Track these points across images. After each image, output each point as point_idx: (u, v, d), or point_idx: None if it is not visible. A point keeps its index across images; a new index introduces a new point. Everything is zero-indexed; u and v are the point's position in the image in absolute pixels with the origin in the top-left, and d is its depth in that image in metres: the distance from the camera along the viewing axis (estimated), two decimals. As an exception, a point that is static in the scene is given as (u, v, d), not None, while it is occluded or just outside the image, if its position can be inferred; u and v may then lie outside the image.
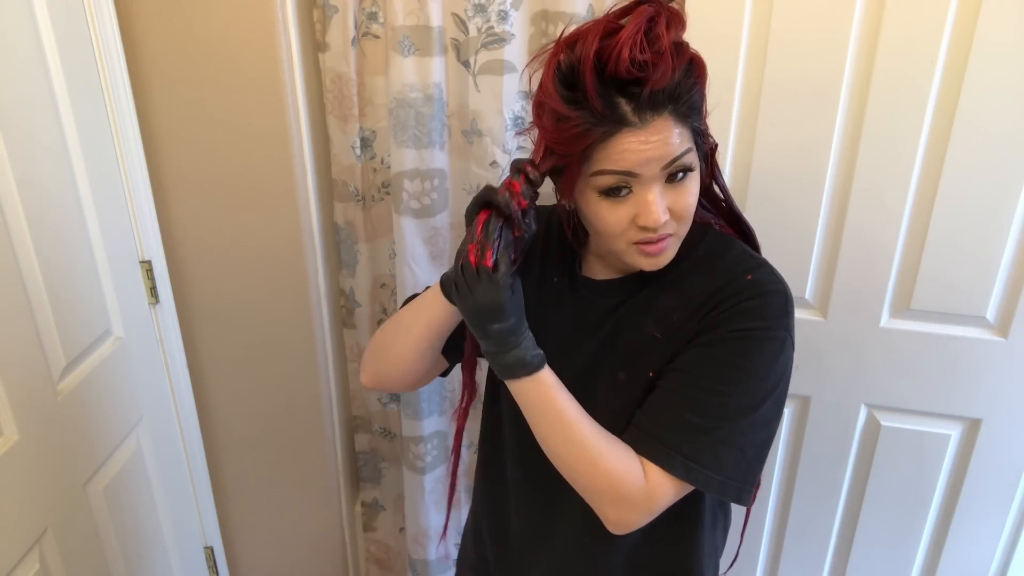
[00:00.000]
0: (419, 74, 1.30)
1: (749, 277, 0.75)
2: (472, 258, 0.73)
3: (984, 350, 1.21)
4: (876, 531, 1.40)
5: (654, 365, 0.77)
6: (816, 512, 1.42)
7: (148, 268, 1.36)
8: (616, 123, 0.66)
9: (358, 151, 1.43)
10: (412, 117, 1.32)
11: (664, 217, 0.70)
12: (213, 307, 1.45)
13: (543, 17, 1.27)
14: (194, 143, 1.32)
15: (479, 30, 1.27)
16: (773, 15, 1.12)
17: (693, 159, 0.70)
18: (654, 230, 0.70)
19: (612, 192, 0.70)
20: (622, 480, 0.71)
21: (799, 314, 1.27)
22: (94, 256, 1.21)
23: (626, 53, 0.63)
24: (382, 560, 1.84)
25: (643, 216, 0.69)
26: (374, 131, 1.42)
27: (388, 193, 1.46)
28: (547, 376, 0.75)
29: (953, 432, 1.29)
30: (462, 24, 1.29)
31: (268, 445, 1.58)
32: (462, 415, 0.97)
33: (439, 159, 1.37)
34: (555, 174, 0.73)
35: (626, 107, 0.66)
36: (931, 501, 1.35)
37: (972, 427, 1.28)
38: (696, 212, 0.77)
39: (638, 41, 0.63)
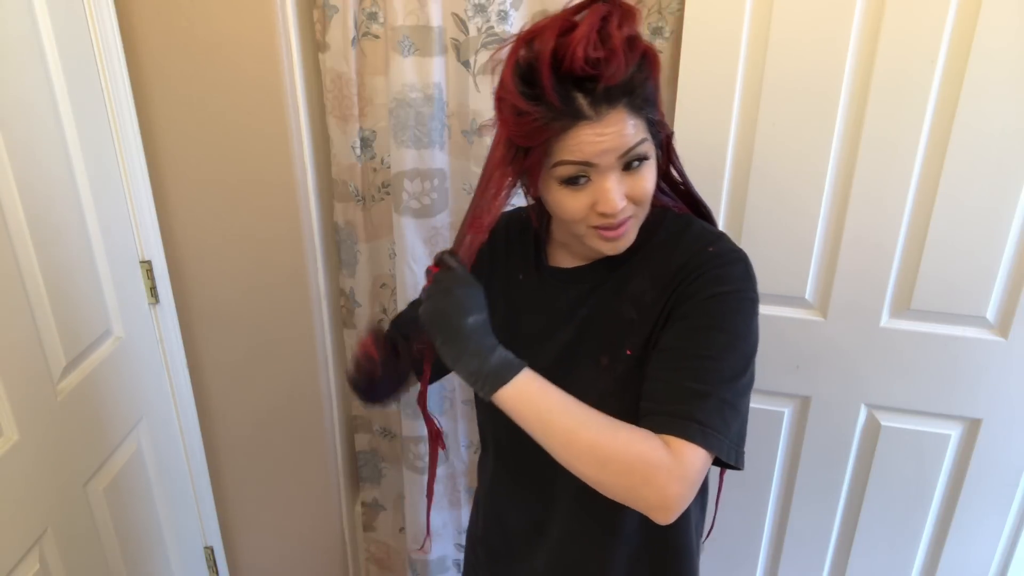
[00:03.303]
0: (419, 74, 1.30)
1: (711, 249, 0.79)
2: (428, 279, 0.78)
3: (984, 350, 1.21)
4: (876, 531, 1.40)
5: (632, 345, 0.80)
6: (816, 512, 1.42)
7: (148, 268, 1.36)
8: (573, 117, 0.69)
9: (358, 151, 1.43)
10: (412, 117, 1.32)
11: (622, 204, 0.73)
12: (213, 307, 1.45)
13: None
14: (194, 143, 1.32)
15: (479, 30, 1.27)
16: (773, 15, 1.12)
17: (648, 148, 0.74)
18: (613, 216, 0.74)
19: (572, 181, 0.73)
20: (646, 453, 0.69)
21: (799, 314, 1.28)
22: (94, 256, 1.21)
23: (580, 52, 0.66)
24: (382, 560, 1.84)
25: (602, 203, 0.73)
26: (374, 131, 1.42)
27: (388, 193, 1.46)
28: (533, 375, 0.74)
29: (953, 432, 1.29)
30: (462, 24, 1.29)
31: (268, 445, 1.58)
32: (432, 462, 0.98)
33: (439, 159, 1.37)
34: (523, 172, 0.76)
35: (582, 101, 0.69)
36: (931, 501, 1.35)
37: (972, 427, 1.28)
38: (655, 198, 0.82)
39: (592, 39, 0.66)
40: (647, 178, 0.74)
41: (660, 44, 1.24)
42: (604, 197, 0.72)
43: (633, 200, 0.74)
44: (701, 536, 0.96)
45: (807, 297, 1.27)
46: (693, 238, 0.81)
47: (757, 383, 1.35)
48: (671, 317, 0.77)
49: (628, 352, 0.80)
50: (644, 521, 0.84)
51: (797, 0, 1.10)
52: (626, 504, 0.71)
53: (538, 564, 0.96)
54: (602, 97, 0.69)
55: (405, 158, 1.35)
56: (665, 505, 0.69)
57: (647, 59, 0.71)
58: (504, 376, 0.72)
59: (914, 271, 1.20)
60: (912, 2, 1.06)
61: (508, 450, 0.94)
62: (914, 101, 1.11)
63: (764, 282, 1.26)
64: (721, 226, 1.27)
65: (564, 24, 0.68)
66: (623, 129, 0.70)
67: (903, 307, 1.23)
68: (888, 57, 1.09)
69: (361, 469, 1.76)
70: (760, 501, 1.45)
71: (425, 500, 1.61)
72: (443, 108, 1.35)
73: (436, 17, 1.27)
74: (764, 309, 1.29)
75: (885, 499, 1.37)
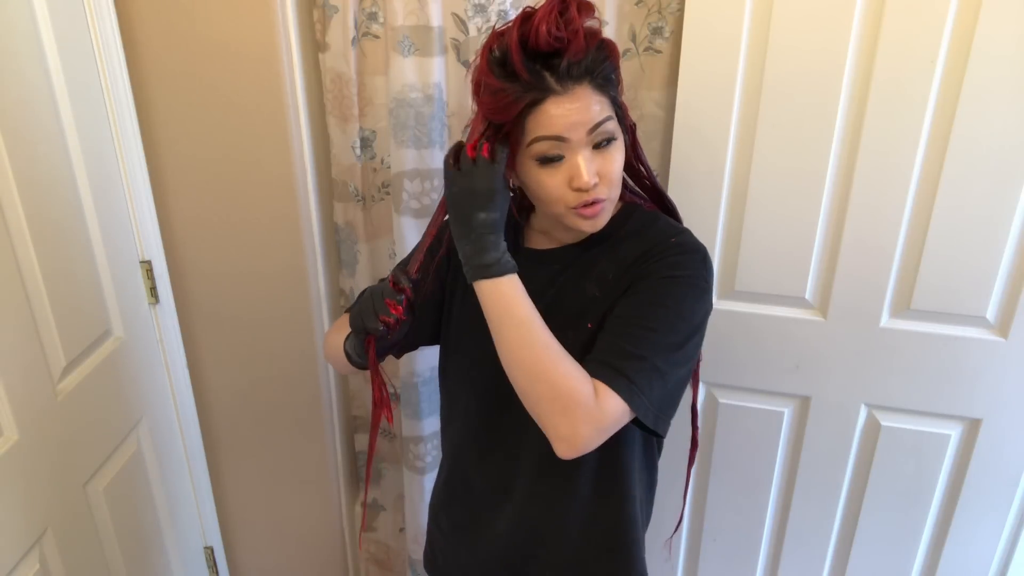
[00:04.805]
0: (419, 74, 1.30)
1: (674, 240, 0.87)
2: (471, 150, 0.82)
3: (984, 350, 1.21)
4: (876, 531, 1.40)
5: (592, 319, 0.87)
6: (816, 512, 1.42)
7: (148, 268, 1.36)
8: (542, 91, 0.77)
9: (358, 151, 1.43)
10: (412, 117, 1.32)
11: (594, 179, 0.80)
12: (213, 307, 1.45)
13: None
14: (194, 143, 1.32)
15: (479, 30, 1.27)
16: (773, 15, 1.12)
17: (615, 127, 0.81)
18: (587, 191, 0.80)
19: (548, 160, 0.80)
20: (575, 387, 0.77)
21: (799, 314, 1.28)
22: (94, 256, 1.21)
23: (544, 28, 0.74)
24: (382, 560, 1.84)
25: (576, 178, 0.79)
26: (374, 131, 1.42)
27: (388, 193, 1.46)
28: (517, 282, 0.81)
29: (953, 432, 1.29)
30: (462, 24, 1.29)
31: (268, 445, 1.58)
32: (375, 415, 1.02)
33: (439, 159, 1.37)
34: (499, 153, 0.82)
35: (550, 78, 0.77)
36: (931, 501, 1.35)
37: (972, 427, 1.28)
38: (625, 195, 0.93)
39: (553, 19, 0.74)
40: (616, 158, 0.81)
41: (660, 44, 1.24)
42: (577, 171, 0.79)
43: (604, 179, 0.81)
44: (649, 513, 1.05)
45: (807, 297, 1.27)
46: (659, 230, 0.89)
47: (757, 383, 1.36)
48: (627, 291, 0.85)
49: (589, 326, 0.86)
50: (597, 487, 0.93)
51: (797, 0, 1.10)
52: (540, 425, 0.79)
53: (500, 526, 1.00)
54: (566, 73, 0.76)
55: (405, 158, 1.35)
56: (571, 439, 0.77)
57: (606, 45, 0.80)
58: (488, 273, 0.80)
59: (914, 271, 1.20)
60: (912, 3, 1.06)
61: (476, 417, 0.98)
62: (914, 101, 1.11)
63: (764, 282, 1.27)
64: (721, 226, 1.27)
65: (526, 12, 0.77)
66: (589, 104, 0.78)
67: (903, 307, 1.23)
68: (888, 57, 1.09)
69: (361, 469, 1.76)
70: (760, 501, 1.45)
71: (424, 500, 1.62)
72: (443, 108, 1.35)
73: (436, 17, 1.27)
74: (764, 309, 1.30)
75: (885, 499, 1.37)
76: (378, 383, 0.94)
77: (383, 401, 0.96)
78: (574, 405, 0.76)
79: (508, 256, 0.82)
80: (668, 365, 0.81)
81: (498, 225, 0.82)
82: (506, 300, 0.80)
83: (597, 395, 0.77)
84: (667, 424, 0.83)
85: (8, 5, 1.00)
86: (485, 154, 0.81)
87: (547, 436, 0.79)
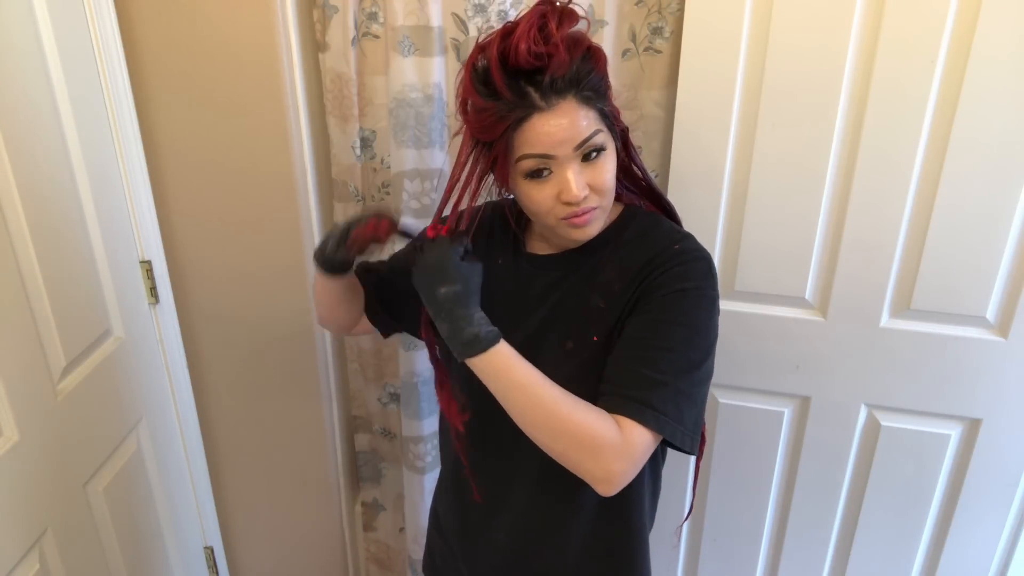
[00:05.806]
0: (419, 74, 1.30)
1: (677, 247, 0.85)
2: (431, 231, 0.86)
3: (984, 350, 1.21)
4: (876, 531, 1.40)
5: (598, 332, 0.85)
6: (816, 512, 1.42)
7: (148, 268, 1.36)
8: (527, 108, 0.76)
9: (358, 151, 1.43)
10: (412, 117, 1.32)
11: (583, 193, 0.79)
12: (213, 307, 1.45)
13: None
14: (194, 143, 1.32)
15: (479, 30, 1.27)
16: (773, 15, 1.12)
17: (604, 139, 0.80)
18: (576, 204, 0.79)
19: (536, 175, 0.79)
20: (597, 431, 0.75)
21: (799, 314, 1.28)
22: (94, 256, 1.21)
23: (523, 46, 0.73)
24: (382, 560, 1.84)
25: (564, 192, 0.79)
26: (374, 131, 1.42)
27: (388, 193, 1.46)
28: (506, 349, 0.80)
29: (953, 432, 1.29)
30: (462, 24, 1.29)
31: (268, 445, 1.58)
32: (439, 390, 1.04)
33: (439, 159, 1.37)
34: (489, 168, 0.83)
35: (534, 94, 0.75)
36: (931, 501, 1.35)
37: (972, 427, 1.28)
38: (624, 196, 0.92)
39: (532, 35, 0.73)
40: (606, 168, 0.80)
41: (660, 44, 1.25)
42: (566, 186, 0.78)
43: (595, 189, 0.80)
44: (653, 520, 1.03)
45: (807, 297, 1.27)
46: (661, 235, 0.87)
47: (757, 383, 1.36)
48: (636, 308, 0.83)
49: (595, 339, 0.85)
50: (601, 498, 0.90)
51: (797, 0, 1.10)
52: (574, 473, 0.78)
53: (500, 537, 0.99)
54: (550, 88, 0.75)
55: (405, 158, 1.35)
56: (608, 479, 0.76)
57: (592, 53, 0.78)
58: (473, 350, 0.79)
59: (914, 271, 1.20)
60: (912, 3, 1.06)
61: (476, 424, 0.98)
62: (914, 101, 1.11)
63: (764, 282, 1.27)
64: (721, 226, 1.27)
65: (507, 28, 0.75)
66: (576, 120, 0.76)
67: (903, 307, 1.23)
68: (888, 57, 1.09)
69: (361, 469, 1.76)
70: (760, 501, 1.45)
71: (424, 500, 1.62)
72: (443, 108, 1.35)
73: (436, 17, 1.27)
74: (764, 309, 1.30)
75: (885, 499, 1.37)
76: (442, 370, 0.97)
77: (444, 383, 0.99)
78: (599, 448, 0.75)
79: (488, 325, 0.81)
80: (691, 385, 0.79)
81: (462, 298, 0.81)
82: (503, 371, 0.79)
83: (622, 430, 0.76)
84: (697, 444, 0.81)
85: (8, 5, 1.00)
86: (443, 233, 0.84)
87: (586, 482, 0.78)
